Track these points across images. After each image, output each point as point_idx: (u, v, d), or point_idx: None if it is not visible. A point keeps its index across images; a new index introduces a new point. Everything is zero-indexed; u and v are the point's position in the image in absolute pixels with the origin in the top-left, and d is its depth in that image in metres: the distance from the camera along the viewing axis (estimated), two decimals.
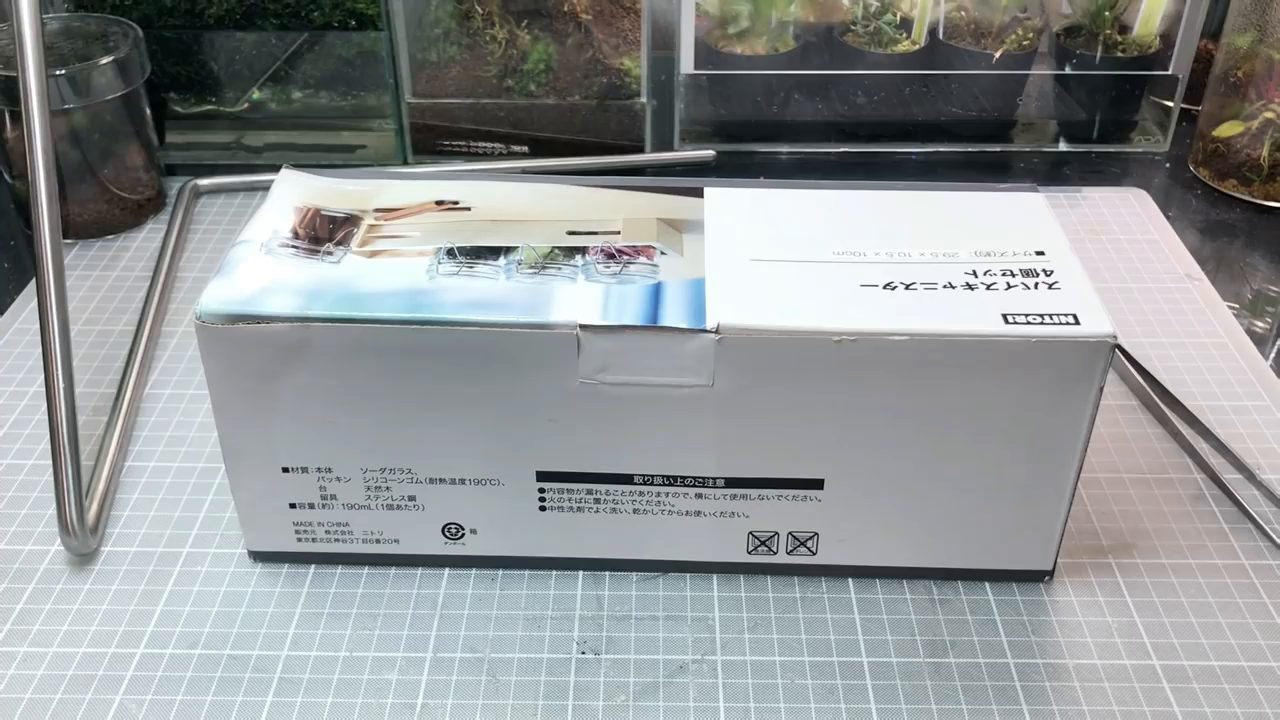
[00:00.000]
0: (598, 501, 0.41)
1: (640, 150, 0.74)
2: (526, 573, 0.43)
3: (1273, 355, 0.57)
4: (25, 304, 0.60)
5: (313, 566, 0.44)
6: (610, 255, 0.41)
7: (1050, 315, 0.38)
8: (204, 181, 0.70)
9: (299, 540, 0.43)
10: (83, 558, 0.44)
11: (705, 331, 0.37)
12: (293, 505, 0.42)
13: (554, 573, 0.44)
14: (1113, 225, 0.67)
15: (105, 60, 0.62)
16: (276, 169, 0.73)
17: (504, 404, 0.39)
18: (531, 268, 0.40)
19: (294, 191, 0.44)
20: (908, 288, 0.39)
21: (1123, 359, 0.53)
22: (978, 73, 0.74)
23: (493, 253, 0.41)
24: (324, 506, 0.42)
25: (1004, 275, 0.40)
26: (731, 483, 0.41)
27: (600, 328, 0.37)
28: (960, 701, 0.39)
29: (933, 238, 0.42)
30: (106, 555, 0.44)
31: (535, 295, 0.38)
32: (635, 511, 0.41)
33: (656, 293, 0.39)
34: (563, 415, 0.39)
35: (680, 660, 0.40)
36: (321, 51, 0.70)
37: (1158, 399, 0.51)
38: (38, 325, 0.47)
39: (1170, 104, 0.75)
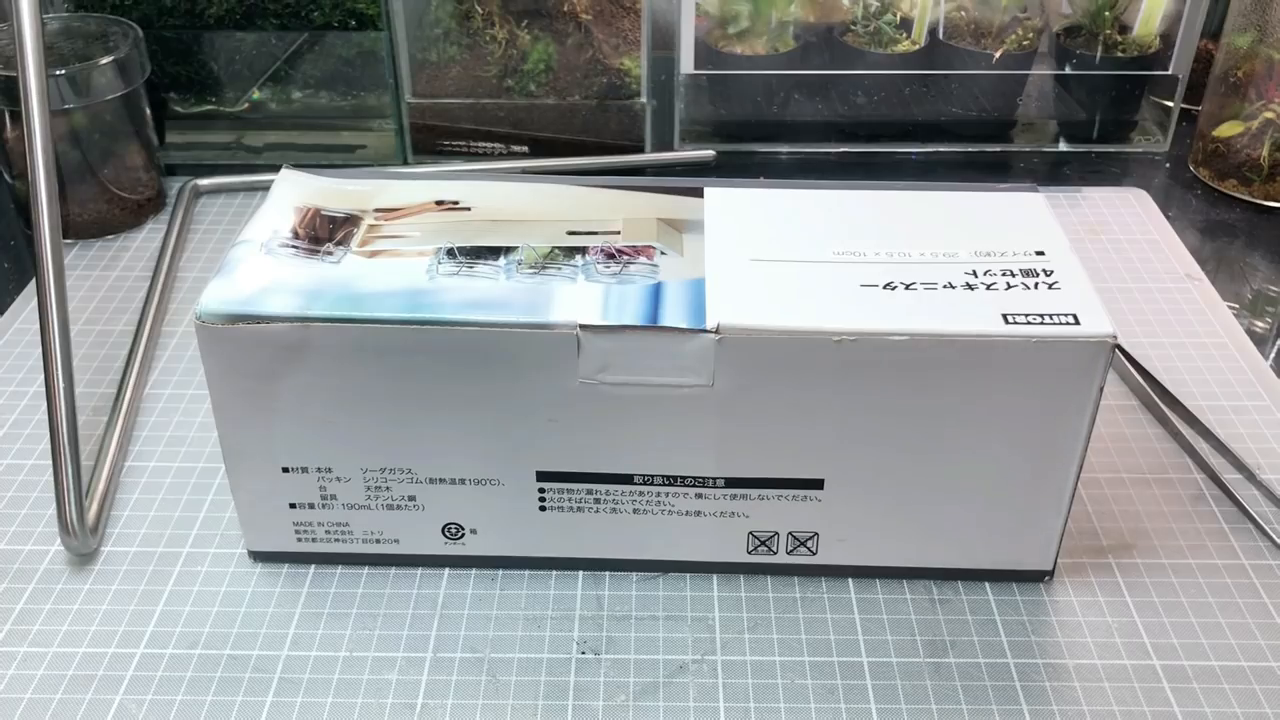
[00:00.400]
0: (598, 501, 0.41)
1: (640, 150, 0.74)
2: (526, 573, 0.43)
3: (1273, 355, 0.57)
4: (25, 304, 0.60)
5: (313, 567, 0.44)
6: (610, 255, 0.41)
7: (1050, 315, 0.38)
8: (204, 181, 0.70)
9: (299, 540, 0.43)
10: (83, 558, 0.44)
11: (705, 331, 0.37)
12: (293, 505, 0.42)
13: (554, 573, 0.44)
14: (1113, 225, 0.67)
15: (105, 60, 0.62)
16: (276, 169, 0.73)
17: (504, 404, 0.39)
18: (531, 268, 0.40)
19: (293, 191, 0.44)
20: (908, 288, 0.39)
21: (1123, 359, 0.53)
22: (978, 73, 0.74)
23: (493, 253, 0.41)
24: (324, 506, 0.42)
25: (1004, 275, 0.40)
26: (731, 483, 0.41)
27: (600, 328, 0.37)
28: (960, 701, 0.39)
29: (933, 238, 0.42)
30: (106, 555, 0.44)
31: (535, 295, 0.38)
32: (635, 511, 0.41)
33: (656, 293, 0.39)
34: (563, 415, 0.39)
35: (680, 660, 0.40)
36: (321, 51, 0.70)
37: (1158, 399, 0.51)
38: (38, 325, 0.47)
39: (1170, 104, 0.75)
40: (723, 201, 0.44)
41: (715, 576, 0.43)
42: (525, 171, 0.70)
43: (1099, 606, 0.42)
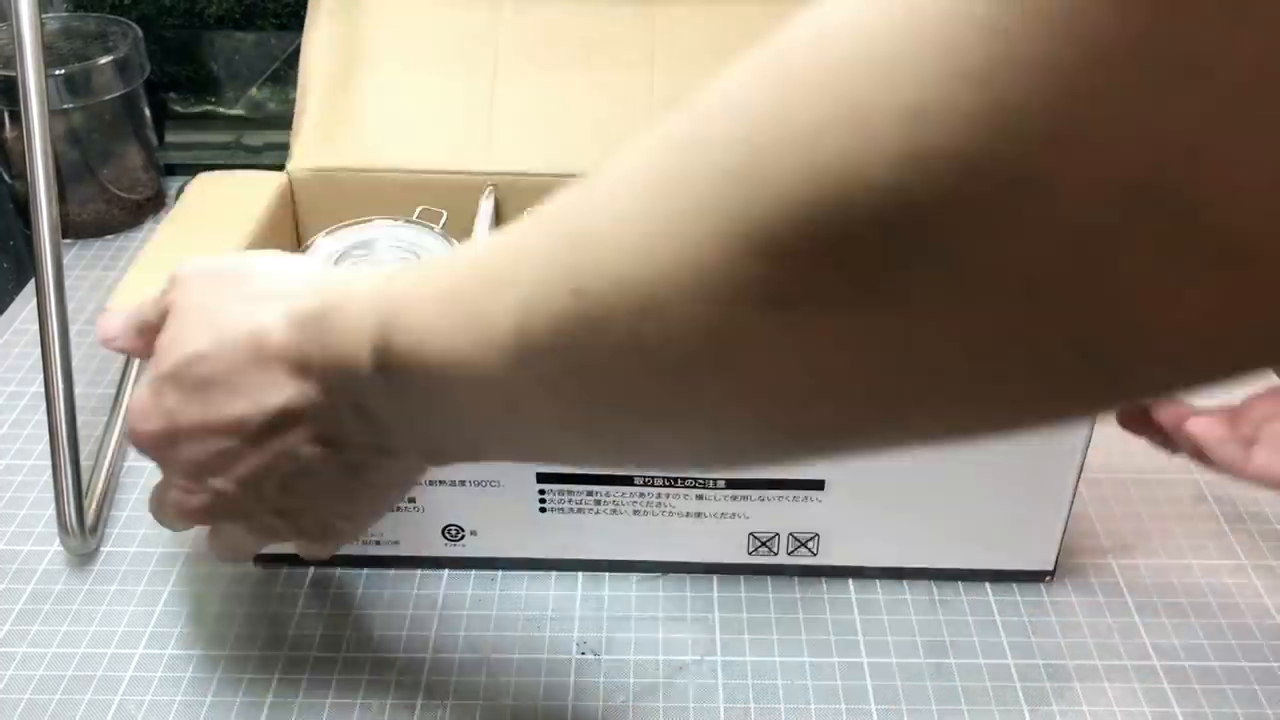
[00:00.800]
0: (598, 503, 0.41)
1: None
2: (526, 573, 0.43)
3: None
4: (25, 304, 0.60)
5: (311, 569, 0.44)
6: None
7: None
8: None
9: None
10: (82, 558, 0.44)
11: None
12: None
13: (554, 573, 0.43)
14: None
15: (105, 60, 0.62)
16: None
17: None
18: None
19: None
20: None
21: None
22: None
23: None
24: None
25: None
26: (732, 484, 0.41)
27: None
28: (961, 702, 0.39)
29: None
30: (106, 555, 0.44)
31: None
32: (635, 513, 0.41)
33: None
34: None
35: (680, 660, 0.40)
36: None
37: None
38: (37, 325, 0.47)
39: None
40: None
41: (715, 577, 0.43)
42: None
43: (1099, 607, 0.42)
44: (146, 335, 0.33)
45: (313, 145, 0.54)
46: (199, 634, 0.41)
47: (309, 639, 0.41)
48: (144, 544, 0.45)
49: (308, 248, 0.46)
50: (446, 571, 0.44)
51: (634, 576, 0.43)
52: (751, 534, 0.42)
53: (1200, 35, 0.13)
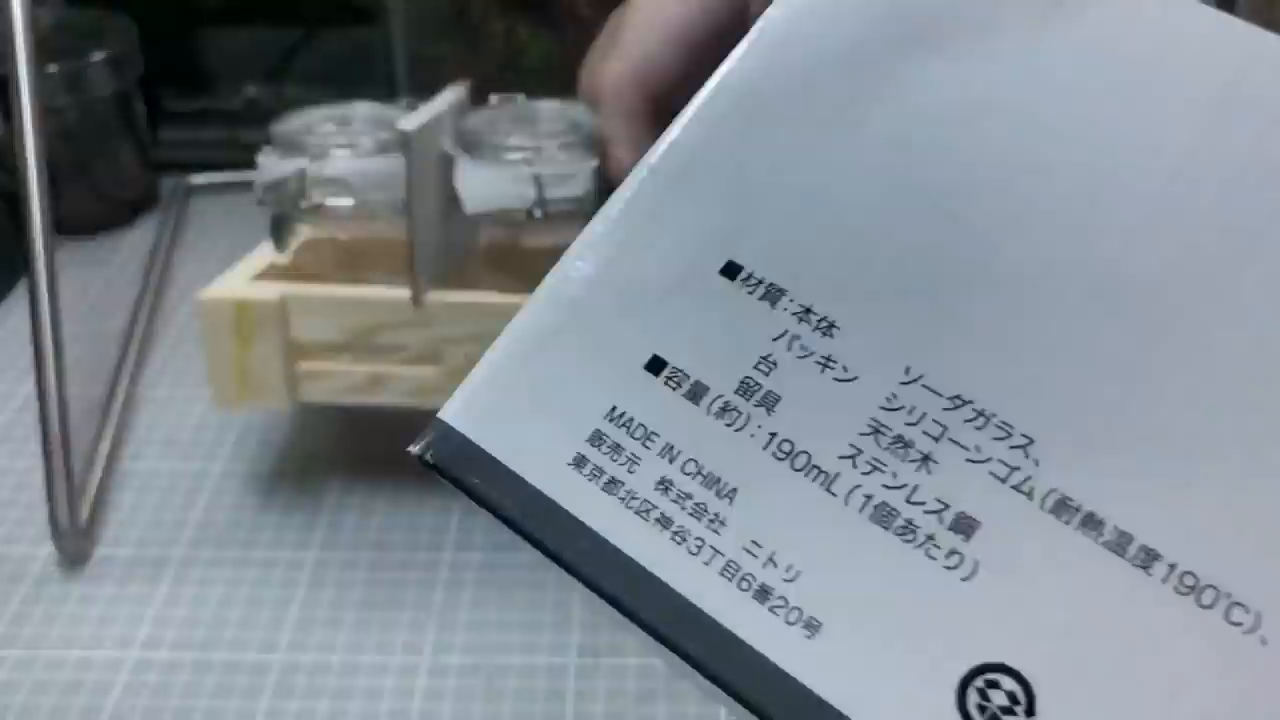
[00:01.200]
0: None
1: None
2: (525, 575, 0.43)
3: None
4: (17, 303, 0.59)
5: (307, 572, 0.43)
6: None
7: None
8: (197, 179, 0.69)
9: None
10: (75, 560, 0.44)
11: None
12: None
13: (553, 576, 0.43)
14: None
15: (98, 56, 0.61)
16: None
17: None
18: None
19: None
20: None
21: None
22: None
23: None
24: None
25: None
26: None
27: None
28: None
29: None
30: (99, 558, 0.44)
31: None
32: None
33: None
34: None
35: None
36: (317, 48, 0.70)
37: None
38: (29, 325, 0.47)
39: None
40: None
41: None
42: None
43: None
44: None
45: None
46: (193, 638, 0.41)
47: (304, 643, 0.41)
48: (138, 546, 0.44)
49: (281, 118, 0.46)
50: (444, 574, 0.43)
51: None
52: None
53: None
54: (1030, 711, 0.15)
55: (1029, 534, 0.15)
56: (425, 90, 0.59)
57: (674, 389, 0.17)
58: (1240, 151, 0.17)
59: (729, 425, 0.17)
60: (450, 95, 0.45)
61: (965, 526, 0.16)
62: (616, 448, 0.17)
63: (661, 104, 0.28)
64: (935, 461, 0.16)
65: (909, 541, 0.16)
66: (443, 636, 0.41)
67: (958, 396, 0.16)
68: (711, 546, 0.16)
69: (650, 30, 0.29)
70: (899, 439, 0.16)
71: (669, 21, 0.28)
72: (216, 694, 0.39)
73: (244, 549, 0.44)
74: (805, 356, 0.17)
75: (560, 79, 0.74)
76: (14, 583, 0.43)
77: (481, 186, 0.41)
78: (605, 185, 0.38)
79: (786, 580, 0.16)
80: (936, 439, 0.16)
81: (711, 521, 0.16)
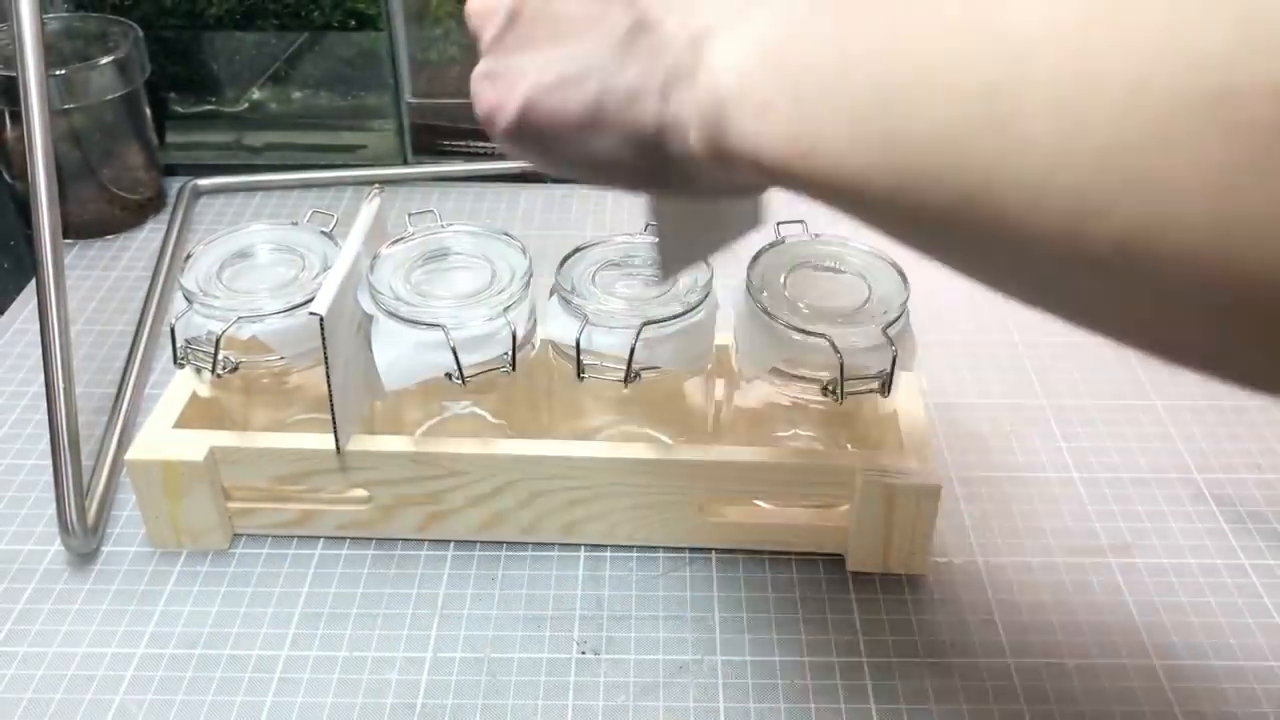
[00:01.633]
0: None
1: None
2: (526, 573, 0.43)
3: None
4: (25, 304, 0.60)
5: (312, 567, 0.44)
6: None
7: None
8: (204, 181, 0.70)
9: None
10: (83, 557, 0.44)
11: None
12: None
13: (554, 573, 0.43)
14: None
15: (105, 60, 0.62)
16: (276, 169, 0.73)
17: None
18: None
19: None
20: None
21: None
22: None
23: None
24: None
25: None
26: None
27: None
28: (960, 701, 0.39)
29: None
30: (106, 555, 0.44)
31: None
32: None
33: None
34: None
35: (680, 660, 0.40)
36: (321, 51, 0.70)
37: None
38: (38, 325, 0.47)
39: None
40: None
41: (716, 576, 0.43)
42: (525, 172, 0.70)
43: (1098, 606, 0.42)
44: None
45: None
46: (199, 634, 0.41)
47: (309, 639, 0.41)
48: (144, 543, 0.45)
49: (188, 258, 0.45)
50: (447, 571, 0.44)
51: (634, 576, 0.43)
52: None
53: None
54: None
55: None
56: (427, 95, 0.60)
57: None
58: None
59: None
60: (366, 217, 0.44)
61: None
62: None
63: None
64: None
65: None
66: (445, 631, 0.41)
67: None
68: None
69: None
70: None
71: None
72: (222, 688, 0.39)
73: (249, 545, 0.45)
74: None
75: None
76: (23, 580, 0.43)
77: (397, 364, 0.40)
78: None
79: None
80: None
81: None
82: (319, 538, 0.45)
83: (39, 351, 0.47)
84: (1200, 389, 0.53)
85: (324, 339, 0.39)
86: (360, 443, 0.42)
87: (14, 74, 0.51)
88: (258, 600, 0.42)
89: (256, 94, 0.72)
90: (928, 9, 0.19)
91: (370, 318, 0.41)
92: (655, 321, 0.40)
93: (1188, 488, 0.48)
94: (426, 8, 0.69)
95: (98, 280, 0.62)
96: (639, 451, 0.42)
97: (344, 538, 0.45)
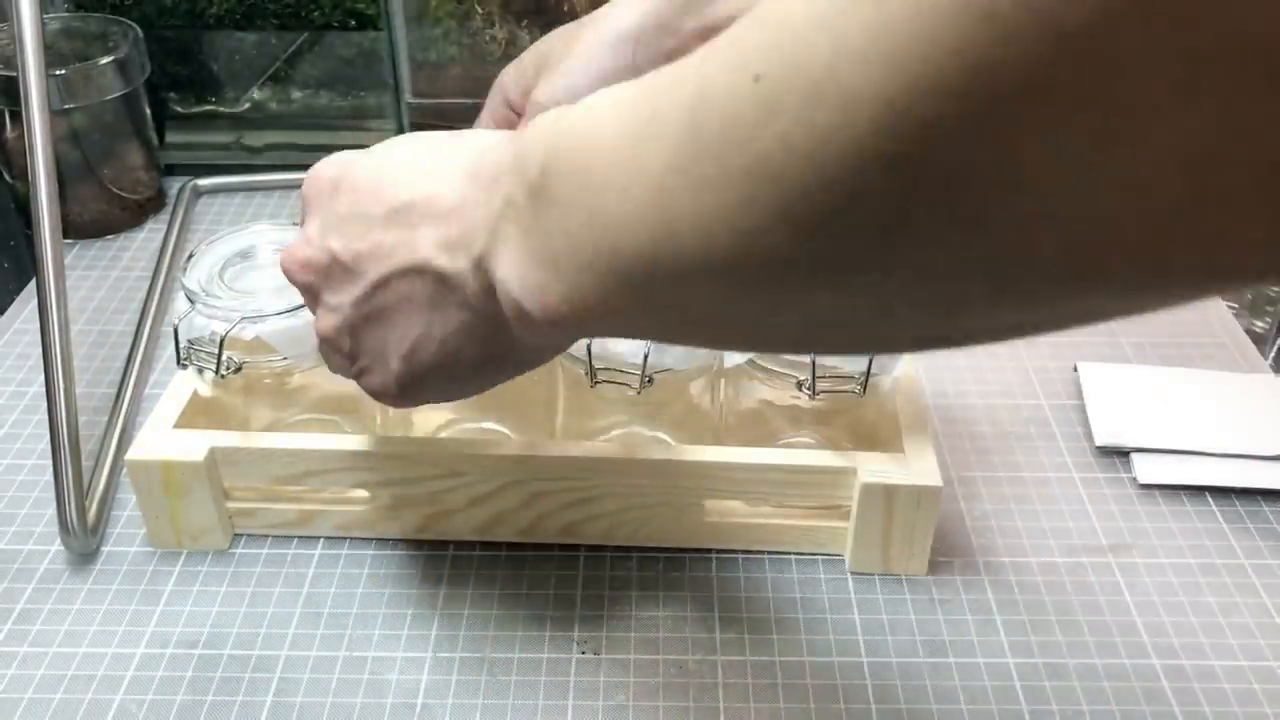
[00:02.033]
0: None
1: None
2: (527, 573, 0.43)
3: (1272, 355, 0.57)
4: (25, 304, 0.60)
5: (313, 567, 0.44)
6: None
7: None
8: (204, 181, 0.70)
9: None
10: (83, 557, 0.44)
11: None
12: None
13: (554, 573, 0.43)
14: None
15: (105, 60, 0.62)
16: (277, 169, 0.73)
17: None
18: None
19: None
20: None
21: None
22: None
23: None
24: None
25: None
26: None
27: None
28: (960, 701, 0.39)
29: None
30: (106, 555, 0.44)
31: None
32: None
33: None
34: None
35: (680, 660, 0.40)
36: (321, 51, 0.70)
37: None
38: (38, 325, 0.47)
39: None
40: None
41: (716, 577, 0.43)
42: None
43: (1098, 606, 0.42)
44: None
45: None
46: (199, 634, 0.41)
47: (309, 639, 0.41)
48: (144, 543, 0.45)
49: (190, 258, 0.45)
50: (447, 570, 0.44)
51: (634, 576, 0.43)
52: None
53: None
54: None
55: None
56: (427, 95, 0.60)
57: None
58: None
59: None
60: None
61: None
62: None
63: None
64: None
65: None
66: (445, 631, 0.41)
67: None
68: None
69: (584, 73, 0.37)
70: None
71: (603, 70, 0.37)
72: (222, 688, 0.39)
73: (249, 545, 0.45)
74: None
75: None
76: (23, 580, 0.43)
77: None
78: None
79: None
80: None
81: None
82: (319, 538, 0.45)
83: (39, 351, 0.47)
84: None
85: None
86: (360, 443, 0.42)
87: (14, 74, 0.51)
88: (258, 600, 0.42)
89: (256, 94, 0.72)
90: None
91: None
92: None
93: (1186, 487, 0.48)
94: (426, 8, 0.69)
95: (98, 280, 0.62)
96: (639, 452, 0.42)
97: (344, 538, 0.45)
